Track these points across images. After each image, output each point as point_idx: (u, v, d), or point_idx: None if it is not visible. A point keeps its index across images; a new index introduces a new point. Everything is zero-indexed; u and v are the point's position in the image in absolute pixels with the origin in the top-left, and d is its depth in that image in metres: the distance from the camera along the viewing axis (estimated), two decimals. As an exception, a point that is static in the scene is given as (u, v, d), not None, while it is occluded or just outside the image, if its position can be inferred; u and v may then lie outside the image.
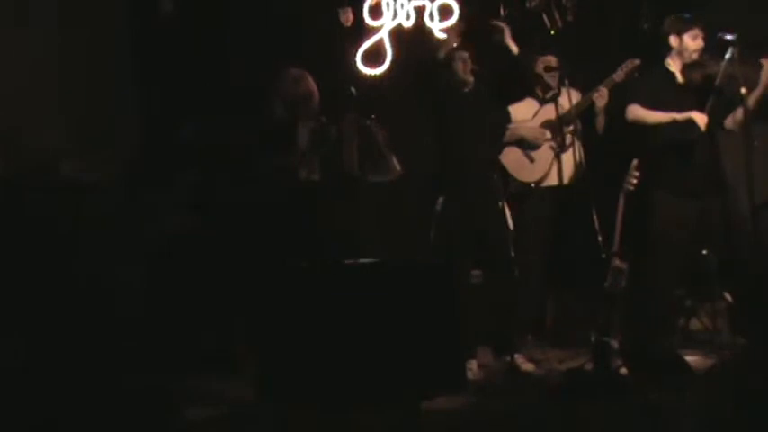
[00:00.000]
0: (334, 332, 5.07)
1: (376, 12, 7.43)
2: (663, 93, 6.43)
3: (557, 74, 6.86)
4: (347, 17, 7.35)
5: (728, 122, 6.37)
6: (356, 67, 7.42)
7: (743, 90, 6.10)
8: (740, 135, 6.22)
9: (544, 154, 6.89)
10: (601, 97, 6.76)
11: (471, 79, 6.50)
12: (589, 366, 6.04)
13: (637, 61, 6.73)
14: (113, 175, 5.50)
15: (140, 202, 6.08)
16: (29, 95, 5.53)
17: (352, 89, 6.58)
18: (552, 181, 6.88)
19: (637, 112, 6.40)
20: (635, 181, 6.22)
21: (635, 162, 6.24)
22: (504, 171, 6.82)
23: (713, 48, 6.28)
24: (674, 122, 6.27)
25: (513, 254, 6.20)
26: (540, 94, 6.97)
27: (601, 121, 6.87)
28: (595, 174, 6.40)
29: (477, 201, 6.47)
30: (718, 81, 6.14)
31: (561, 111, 6.83)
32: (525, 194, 6.84)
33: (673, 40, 6.42)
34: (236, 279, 6.35)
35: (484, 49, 6.58)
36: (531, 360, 6.54)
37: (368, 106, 6.73)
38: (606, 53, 7.21)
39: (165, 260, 6.38)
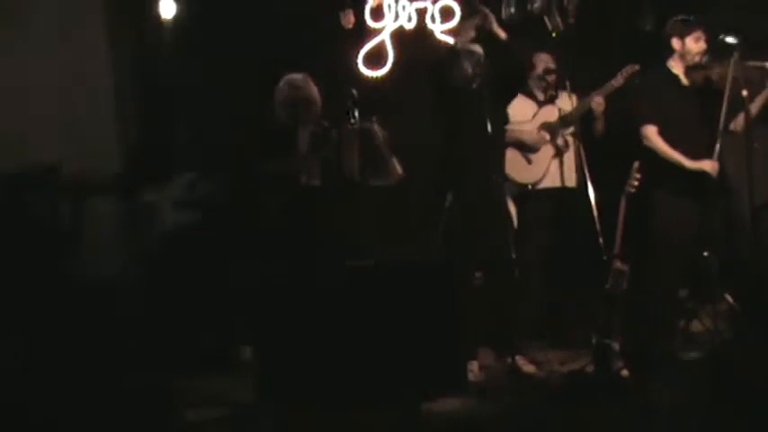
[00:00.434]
0: (334, 333, 5.07)
1: (377, 14, 7.45)
2: (666, 95, 6.43)
3: (555, 76, 6.86)
4: (348, 19, 7.36)
5: (732, 124, 6.36)
6: (357, 69, 7.43)
7: (744, 93, 6.10)
8: (741, 137, 6.23)
9: (542, 156, 6.88)
10: (598, 104, 6.76)
11: (477, 77, 6.48)
12: (590, 368, 6.03)
13: (636, 67, 6.73)
14: (113, 175, 5.51)
15: (140, 202, 6.08)
16: (29, 96, 5.53)
17: (354, 91, 6.57)
18: (550, 183, 6.87)
19: (652, 138, 6.38)
20: (636, 183, 6.21)
21: (636, 164, 6.23)
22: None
23: (715, 50, 6.28)
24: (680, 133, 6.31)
25: (513, 255, 6.19)
26: (537, 95, 6.97)
27: (599, 126, 6.86)
28: (597, 175, 6.38)
29: (477, 201, 6.46)
30: (727, 89, 6.13)
31: (560, 113, 6.83)
32: (523, 196, 6.82)
33: (675, 43, 6.41)
34: (237, 280, 6.35)
35: (484, 50, 6.56)
36: (532, 362, 6.53)
37: (371, 110, 6.73)
38: (608, 55, 7.21)
39: (166, 260, 6.38)
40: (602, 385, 5.87)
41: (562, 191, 6.83)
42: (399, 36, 7.50)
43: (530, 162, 6.88)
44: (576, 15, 7.05)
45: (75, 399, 4.88)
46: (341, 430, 5.12)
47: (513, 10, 7.24)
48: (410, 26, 7.53)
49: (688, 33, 6.38)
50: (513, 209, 6.59)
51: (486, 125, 6.27)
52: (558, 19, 6.77)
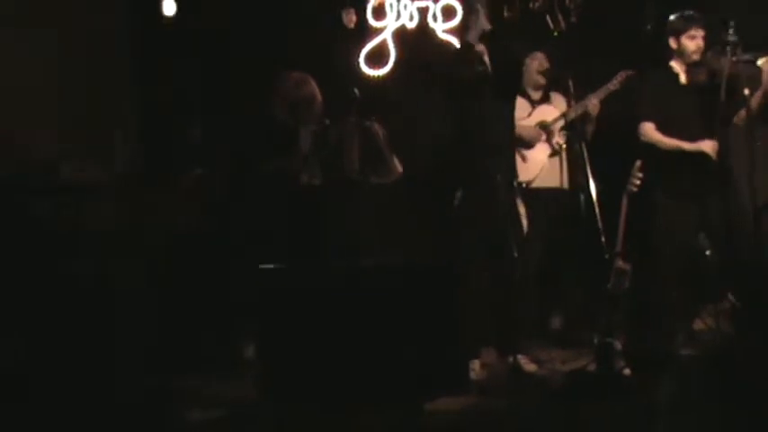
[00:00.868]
0: (335, 332, 5.07)
1: (379, 13, 7.46)
2: (667, 95, 6.43)
3: (549, 75, 6.85)
4: (350, 18, 7.37)
5: (735, 119, 6.36)
6: (359, 69, 7.43)
7: (746, 91, 6.09)
8: (742, 135, 6.22)
9: (537, 155, 6.88)
10: (593, 106, 6.76)
11: (486, 74, 6.47)
12: (592, 367, 6.02)
13: (631, 72, 6.73)
14: (113, 175, 5.51)
15: (141, 202, 6.09)
16: (28, 96, 5.53)
17: (356, 90, 6.57)
18: (543, 182, 6.87)
19: (651, 135, 6.40)
20: (638, 182, 6.21)
21: (638, 163, 6.23)
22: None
23: (714, 47, 6.27)
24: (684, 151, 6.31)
25: (515, 254, 6.18)
26: (532, 95, 6.96)
27: (590, 128, 6.85)
28: (598, 175, 6.37)
29: (482, 201, 6.45)
30: (722, 85, 6.12)
31: (557, 113, 6.83)
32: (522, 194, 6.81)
33: (672, 42, 6.42)
34: (237, 280, 6.35)
35: (484, 50, 6.55)
36: (534, 361, 6.51)
37: (371, 108, 6.72)
38: (610, 54, 7.19)
39: (166, 260, 6.38)
40: (603, 384, 5.85)
41: (555, 191, 6.83)
42: (401, 35, 7.50)
43: (524, 160, 6.87)
44: (579, 14, 7.03)
45: (75, 399, 4.89)
46: (341, 430, 5.12)
47: (514, 9, 7.25)
48: (412, 25, 7.53)
49: (683, 32, 6.38)
50: (522, 209, 6.57)
51: (495, 124, 6.27)
52: (560, 18, 6.76)
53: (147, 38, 6.91)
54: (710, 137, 6.26)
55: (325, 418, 5.13)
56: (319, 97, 6.61)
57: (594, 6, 7.18)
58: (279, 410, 5.17)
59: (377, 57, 7.48)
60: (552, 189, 6.83)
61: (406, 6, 7.51)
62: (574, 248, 6.84)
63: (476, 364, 6.32)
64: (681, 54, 6.40)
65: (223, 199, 6.80)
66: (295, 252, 6.26)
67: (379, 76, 7.50)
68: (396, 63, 7.49)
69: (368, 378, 5.04)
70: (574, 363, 6.36)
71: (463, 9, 7.19)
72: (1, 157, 5.37)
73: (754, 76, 6.15)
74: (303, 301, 5.19)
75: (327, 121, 6.65)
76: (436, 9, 7.48)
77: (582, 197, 6.39)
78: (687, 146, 6.32)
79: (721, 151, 6.36)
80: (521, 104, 6.89)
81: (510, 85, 6.61)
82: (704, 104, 6.28)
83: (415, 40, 7.49)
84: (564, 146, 6.82)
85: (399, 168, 6.69)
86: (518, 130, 6.81)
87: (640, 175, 6.21)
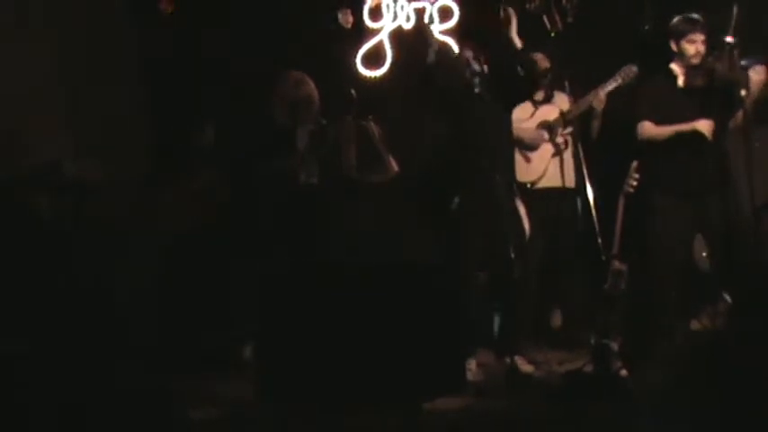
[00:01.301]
0: (334, 332, 5.06)
1: (376, 14, 7.46)
2: (665, 97, 6.46)
3: (551, 76, 6.86)
4: (347, 19, 7.36)
5: (731, 123, 6.38)
6: (356, 69, 7.43)
7: (743, 92, 6.12)
8: (741, 136, 6.24)
9: (541, 155, 6.89)
10: (598, 102, 6.77)
11: (476, 79, 6.48)
12: (589, 368, 6.03)
13: (634, 68, 6.73)
14: (116, 174, 5.51)
15: (146, 201, 6.09)
16: (32, 95, 5.53)
17: (352, 91, 6.57)
18: (549, 182, 6.88)
19: (649, 131, 6.43)
20: (635, 183, 6.22)
21: (635, 164, 6.24)
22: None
23: (714, 50, 6.30)
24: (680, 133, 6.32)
25: (513, 255, 6.19)
26: (534, 95, 6.97)
27: (596, 125, 6.87)
28: (595, 175, 6.39)
29: (480, 202, 6.46)
30: (717, 83, 6.15)
31: (559, 112, 6.84)
32: (522, 195, 6.82)
33: (672, 45, 6.45)
34: (236, 280, 6.35)
35: (483, 50, 6.56)
36: (531, 362, 6.53)
37: (367, 108, 6.73)
38: (607, 55, 7.21)
39: (166, 260, 6.39)
40: (600, 385, 5.86)
41: (560, 190, 6.84)
42: (398, 36, 7.50)
43: (528, 161, 6.89)
44: (576, 14, 7.04)
45: (75, 399, 4.88)
46: (341, 430, 5.13)
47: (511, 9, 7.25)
48: (408, 26, 7.53)
49: (684, 36, 6.41)
50: (522, 210, 6.58)
51: (493, 126, 6.28)
52: (557, 18, 6.77)
53: (150, 37, 6.91)
54: (707, 141, 6.29)
55: (325, 418, 5.14)
56: (317, 97, 6.62)
57: (592, 6, 7.19)
58: (279, 410, 5.17)
59: (373, 57, 7.48)
60: (555, 188, 6.84)
61: (402, 7, 7.51)
62: (573, 249, 6.86)
63: (472, 365, 6.34)
64: (681, 57, 6.43)
65: (221, 198, 6.82)
66: (294, 252, 6.28)
67: (375, 77, 7.50)
68: (392, 64, 7.49)
69: (367, 378, 5.04)
70: (571, 364, 6.37)
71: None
72: (1, 157, 5.37)
73: (750, 80, 6.18)
74: (302, 301, 5.19)
75: (324, 121, 6.66)
76: (433, 10, 7.48)
77: (579, 197, 6.42)
78: (684, 126, 6.34)
79: (716, 134, 6.37)
80: (523, 105, 6.91)
81: (519, 93, 6.66)
82: (702, 107, 6.31)
83: (412, 42, 7.49)
84: (567, 145, 6.83)
85: (395, 166, 6.70)
86: (520, 133, 6.82)
87: (637, 176, 6.23)
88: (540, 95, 6.96)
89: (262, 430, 5.27)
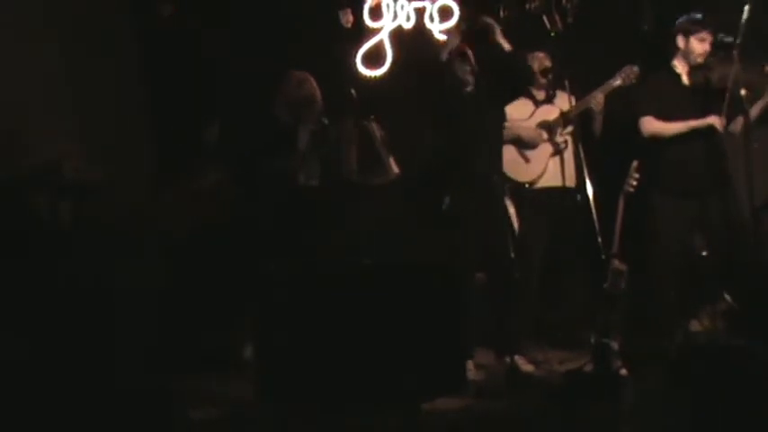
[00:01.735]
0: (334, 332, 5.07)
1: (376, 13, 7.43)
2: (669, 95, 6.46)
3: (552, 75, 6.86)
4: (347, 18, 7.35)
5: (730, 126, 6.38)
6: (356, 69, 7.42)
7: (743, 92, 6.12)
8: (740, 137, 6.24)
9: (540, 154, 6.88)
10: (596, 103, 6.76)
11: (471, 79, 6.49)
12: (589, 368, 6.04)
13: (635, 68, 6.73)
14: (116, 175, 5.50)
15: (147, 201, 6.09)
16: (32, 95, 5.52)
17: (353, 91, 6.57)
18: (548, 182, 6.87)
19: (653, 125, 6.44)
20: (635, 182, 6.22)
21: (635, 163, 6.25)
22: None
23: (717, 51, 6.30)
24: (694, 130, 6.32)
25: (513, 255, 6.19)
26: (535, 94, 6.97)
27: (597, 125, 6.86)
28: (595, 175, 6.39)
29: (477, 201, 6.46)
30: (728, 91, 6.15)
31: (559, 112, 6.84)
32: (521, 194, 6.82)
33: (680, 41, 6.45)
34: (236, 280, 6.35)
35: (483, 50, 6.57)
36: (531, 361, 6.54)
37: (368, 107, 6.73)
38: (607, 55, 7.21)
39: (166, 260, 6.38)
40: (601, 384, 5.87)
41: (560, 190, 6.83)
42: (398, 36, 7.50)
43: (528, 160, 6.89)
44: (576, 15, 7.04)
45: (75, 399, 4.88)
46: (341, 430, 5.13)
47: (511, 9, 7.26)
48: (408, 26, 7.52)
49: (694, 33, 6.41)
50: (512, 209, 6.60)
51: (484, 126, 6.28)
52: (557, 18, 6.77)
53: (149, 37, 6.90)
54: (708, 138, 6.30)
55: (325, 418, 5.14)
56: (319, 97, 6.62)
57: (592, 6, 7.19)
58: (279, 410, 5.18)
59: (374, 57, 7.47)
60: (556, 188, 6.83)
61: (402, 7, 7.50)
62: (573, 248, 6.86)
63: (470, 365, 6.34)
64: (686, 54, 6.43)
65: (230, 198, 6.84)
66: (294, 252, 6.28)
67: (375, 77, 7.49)
68: (392, 64, 7.48)
69: (367, 378, 5.04)
70: (571, 363, 6.38)
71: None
72: (1, 158, 5.37)
73: (754, 83, 6.19)
74: (302, 301, 5.19)
75: (326, 121, 6.66)
76: (433, 10, 7.46)
77: (579, 197, 6.42)
78: (694, 123, 6.34)
79: (717, 152, 6.39)
80: (523, 105, 6.91)
81: (512, 93, 6.66)
82: (704, 107, 6.31)
83: (412, 41, 7.48)
84: (567, 145, 6.82)
85: (396, 169, 6.69)
86: (519, 132, 6.82)
87: (637, 175, 6.23)
88: (540, 95, 6.95)
89: (262, 430, 5.28)
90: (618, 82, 6.74)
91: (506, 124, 6.80)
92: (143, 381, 5.16)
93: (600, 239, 6.16)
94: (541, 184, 6.88)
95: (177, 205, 6.63)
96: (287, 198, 6.52)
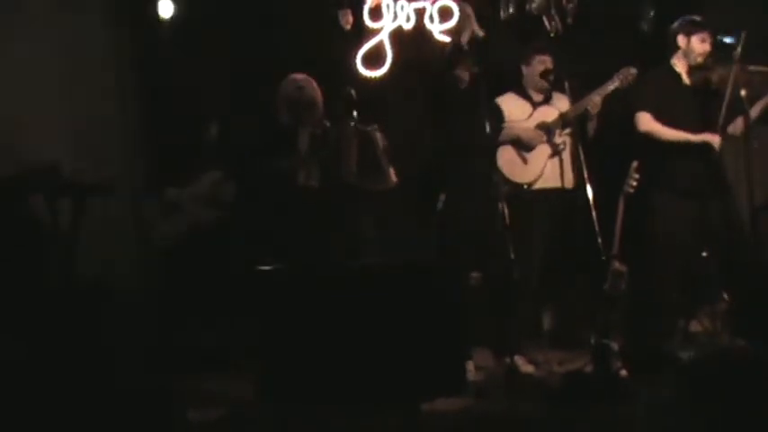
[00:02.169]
0: (334, 333, 5.06)
1: (376, 14, 7.45)
2: (668, 94, 6.46)
3: (552, 76, 6.86)
4: (347, 19, 7.36)
5: (730, 128, 6.38)
6: (356, 70, 7.43)
7: (743, 92, 6.13)
8: (740, 138, 6.25)
9: (538, 155, 6.87)
10: (594, 105, 6.75)
11: (468, 77, 6.49)
12: (589, 368, 6.04)
13: (633, 70, 6.72)
14: (116, 175, 5.50)
15: (146, 202, 6.09)
16: (32, 95, 5.52)
17: (352, 91, 6.57)
18: (548, 183, 6.86)
19: (649, 124, 6.43)
20: (635, 183, 6.22)
21: (635, 164, 6.25)
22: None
23: (717, 51, 6.31)
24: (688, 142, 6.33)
25: (512, 255, 6.19)
26: (533, 96, 6.96)
27: (592, 127, 6.85)
28: (595, 176, 6.40)
29: (475, 201, 6.46)
30: (728, 92, 6.15)
31: (557, 114, 6.84)
32: (519, 195, 6.81)
33: (681, 40, 6.45)
34: (236, 280, 6.34)
35: (481, 50, 6.57)
36: (530, 362, 6.54)
37: (367, 108, 6.73)
38: (606, 56, 7.21)
39: (165, 260, 6.38)
40: (600, 385, 5.86)
41: (559, 191, 6.83)
42: (398, 36, 7.50)
43: (526, 161, 6.88)
44: (575, 16, 7.05)
45: (75, 399, 4.88)
46: (341, 430, 5.13)
47: (511, 10, 7.26)
48: (408, 26, 7.53)
49: (695, 32, 6.42)
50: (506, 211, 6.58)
51: (480, 125, 6.28)
52: (557, 19, 6.77)
53: (149, 37, 6.91)
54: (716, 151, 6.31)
55: (325, 418, 5.14)
56: (320, 99, 6.62)
57: (592, 6, 7.20)
58: (279, 410, 5.17)
59: (373, 58, 7.48)
60: (555, 189, 6.83)
61: (402, 7, 7.51)
62: (573, 249, 6.85)
63: (470, 365, 6.34)
64: (687, 54, 6.43)
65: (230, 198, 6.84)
66: (293, 252, 6.27)
67: (375, 77, 7.50)
68: (392, 64, 7.48)
69: (367, 379, 5.04)
70: (571, 364, 6.39)
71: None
72: (1, 158, 5.37)
73: (755, 84, 6.19)
74: (302, 302, 5.19)
75: (327, 123, 6.66)
76: (433, 10, 7.47)
77: (577, 198, 6.42)
78: (691, 137, 6.35)
79: (716, 152, 6.39)
80: (521, 106, 6.90)
81: (501, 87, 6.67)
82: (703, 107, 6.31)
83: (412, 42, 7.49)
84: (565, 146, 6.82)
85: (394, 178, 6.67)
86: (517, 132, 6.82)
87: (637, 176, 6.23)
88: (539, 97, 6.94)
89: (262, 430, 5.27)
90: (615, 84, 6.73)
91: (504, 125, 6.80)
92: (143, 381, 5.15)
93: (600, 240, 6.16)
94: (540, 185, 6.86)
95: (174, 205, 6.64)
96: (286, 199, 6.51)
